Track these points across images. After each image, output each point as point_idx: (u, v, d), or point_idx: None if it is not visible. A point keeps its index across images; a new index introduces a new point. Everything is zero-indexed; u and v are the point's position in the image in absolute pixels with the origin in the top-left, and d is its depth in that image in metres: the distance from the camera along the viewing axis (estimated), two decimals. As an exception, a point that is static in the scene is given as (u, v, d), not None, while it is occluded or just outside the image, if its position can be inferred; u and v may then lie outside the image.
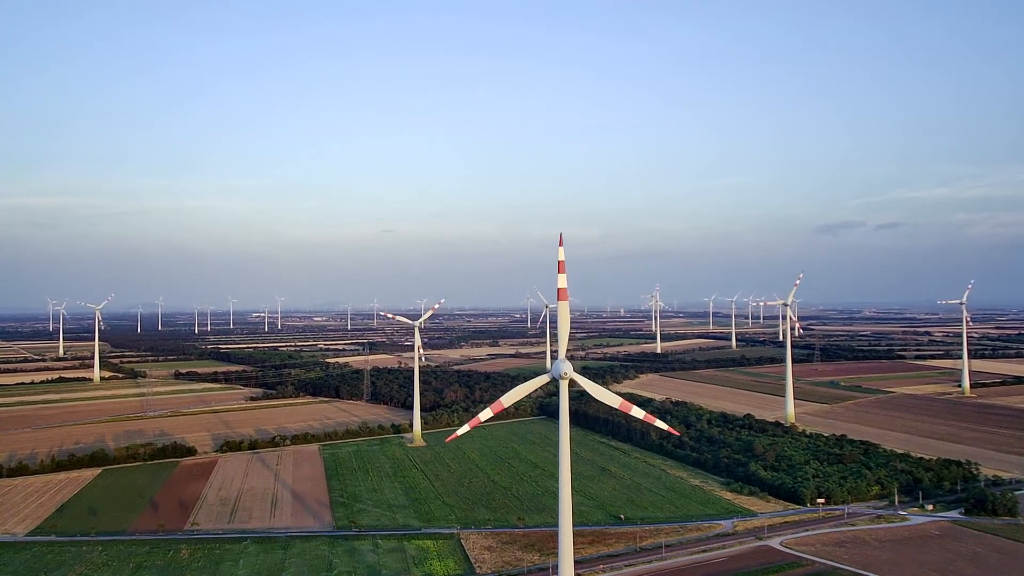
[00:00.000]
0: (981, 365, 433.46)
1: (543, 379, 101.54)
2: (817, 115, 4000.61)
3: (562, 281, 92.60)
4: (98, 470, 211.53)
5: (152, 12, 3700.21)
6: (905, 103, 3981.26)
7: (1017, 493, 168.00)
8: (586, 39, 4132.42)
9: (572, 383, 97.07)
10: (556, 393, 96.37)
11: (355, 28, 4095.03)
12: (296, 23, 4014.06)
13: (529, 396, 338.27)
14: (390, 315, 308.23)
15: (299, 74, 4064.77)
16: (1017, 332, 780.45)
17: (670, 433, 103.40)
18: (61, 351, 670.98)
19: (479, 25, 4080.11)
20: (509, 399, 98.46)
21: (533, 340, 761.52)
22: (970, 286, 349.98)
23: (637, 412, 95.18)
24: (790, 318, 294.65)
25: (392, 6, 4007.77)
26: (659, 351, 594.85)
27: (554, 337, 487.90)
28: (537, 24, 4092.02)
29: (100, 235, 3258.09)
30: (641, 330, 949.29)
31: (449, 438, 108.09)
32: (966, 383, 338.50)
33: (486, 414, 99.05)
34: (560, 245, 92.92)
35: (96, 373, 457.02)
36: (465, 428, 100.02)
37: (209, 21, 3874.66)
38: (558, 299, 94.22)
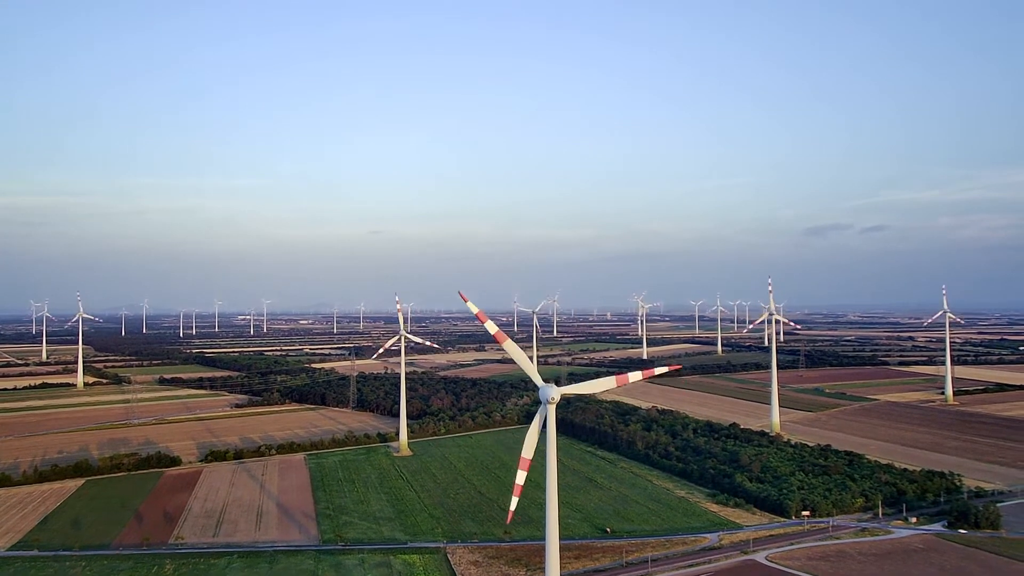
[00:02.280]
0: (964, 372, 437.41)
1: (539, 420, 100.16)
2: (813, 117, 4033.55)
3: (491, 327, 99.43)
4: (81, 480, 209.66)
5: (152, 12, 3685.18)
6: (900, 105, 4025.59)
7: (1000, 505, 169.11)
8: (582, 39, 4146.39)
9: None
10: (542, 402, 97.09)
11: (350, 28, 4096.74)
12: (290, 23, 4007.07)
13: (516, 404, 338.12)
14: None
15: (291, 75, 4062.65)
16: (999, 338, 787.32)
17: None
18: (44, 355, 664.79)
19: (476, 25, 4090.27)
20: (528, 450, 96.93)
21: (521, 345, 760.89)
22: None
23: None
24: (776, 323, 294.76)
25: (390, 6, 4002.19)
26: (645, 356, 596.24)
27: (541, 341, 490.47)
28: (534, 24, 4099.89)
29: (95, 235, 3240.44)
30: (627, 334, 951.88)
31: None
32: (949, 391, 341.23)
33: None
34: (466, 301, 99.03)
35: (80, 379, 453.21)
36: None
37: (206, 21, 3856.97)
38: (497, 340, 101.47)
